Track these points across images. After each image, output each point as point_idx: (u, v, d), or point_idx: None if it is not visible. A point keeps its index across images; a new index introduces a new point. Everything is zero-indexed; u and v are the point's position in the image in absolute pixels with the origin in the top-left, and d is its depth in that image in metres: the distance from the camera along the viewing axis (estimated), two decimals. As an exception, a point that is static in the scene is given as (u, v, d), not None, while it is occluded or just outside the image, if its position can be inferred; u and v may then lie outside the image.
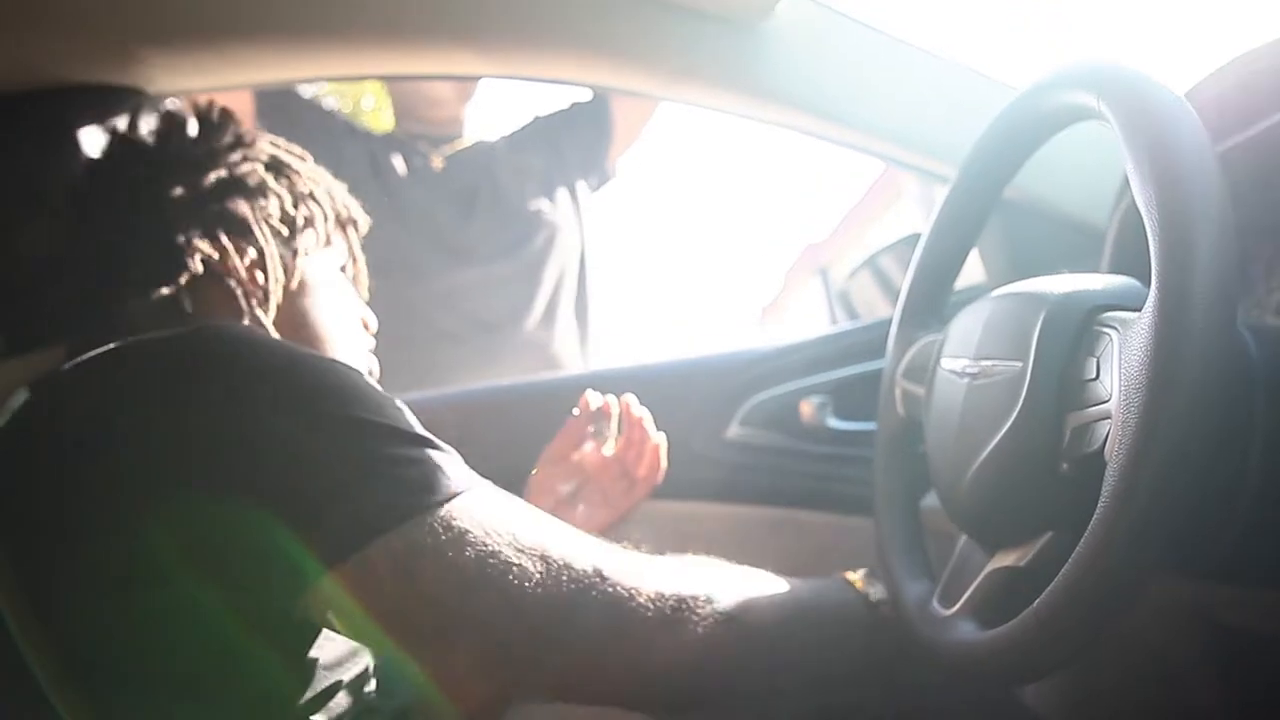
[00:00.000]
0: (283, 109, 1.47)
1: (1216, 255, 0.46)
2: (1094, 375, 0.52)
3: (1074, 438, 0.53)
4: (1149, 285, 0.48)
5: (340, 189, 0.79)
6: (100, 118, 0.94)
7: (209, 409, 0.49)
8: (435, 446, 0.53)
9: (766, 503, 1.06)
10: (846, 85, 0.96)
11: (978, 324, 0.66)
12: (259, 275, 0.69)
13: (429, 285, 1.45)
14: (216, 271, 0.68)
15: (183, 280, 0.67)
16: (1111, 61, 0.58)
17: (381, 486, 0.49)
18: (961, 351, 0.67)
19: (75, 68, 0.90)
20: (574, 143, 1.61)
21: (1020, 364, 0.58)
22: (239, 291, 0.68)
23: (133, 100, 0.94)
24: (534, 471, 0.93)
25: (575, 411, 0.94)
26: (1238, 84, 0.68)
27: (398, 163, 1.51)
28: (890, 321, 1.06)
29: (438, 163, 1.54)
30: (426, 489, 0.50)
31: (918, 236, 1.26)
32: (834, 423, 1.06)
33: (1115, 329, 0.52)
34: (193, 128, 0.75)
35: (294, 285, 0.72)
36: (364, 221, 0.80)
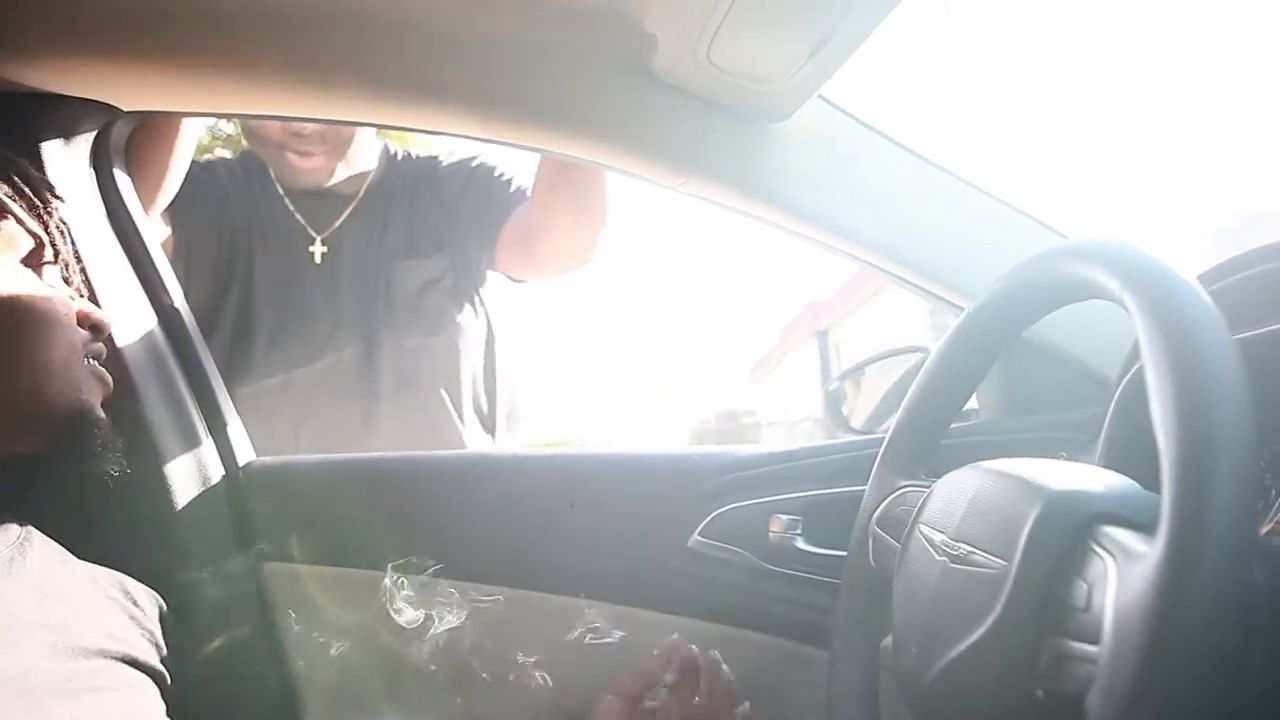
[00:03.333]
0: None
1: (1237, 501, 0.40)
2: (1083, 605, 0.46)
3: (1053, 666, 0.48)
4: (1150, 488, 0.43)
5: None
6: (70, 130, 0.89)
7: None
8: None
9: (723, 620, 0.99)
10: (859, 199, 0.91)
11: (963, 499, 0.60)
12: None
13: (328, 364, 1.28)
14: None
15: None
16: (1140, 248, 0.53)
17: None
18: (942, 524, 0.61)
19: (51, 78, 0.85)
20: (473, 237, 1.38)
21: (1004, 564, 0.52)
22: None
23: (105, 116, 0.89)
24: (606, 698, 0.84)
25: (655, 651, 0.85)
26: (1248, 279, 0.63)
27: (274, 244, 1.30)
28: (875, 444, 1.01)
29: (317, 252, 1.31)
30: None
31: (921, 352, 1.21)
32: (803, 545, 0.99)
33: (1113, 555, 0.46)
34: None
35: None
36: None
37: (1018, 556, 0.51)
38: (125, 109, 0.88)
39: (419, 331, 1.32)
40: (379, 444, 1.28)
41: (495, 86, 0.87)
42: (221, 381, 1.01)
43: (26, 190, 0.70)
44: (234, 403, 1.03)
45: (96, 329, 0.73)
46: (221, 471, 0.99)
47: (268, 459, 1.04)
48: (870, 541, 0.77)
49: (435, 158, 1.43)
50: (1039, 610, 0.49)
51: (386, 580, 0.99)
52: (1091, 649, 0.44)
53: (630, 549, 0.99)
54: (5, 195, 0.68)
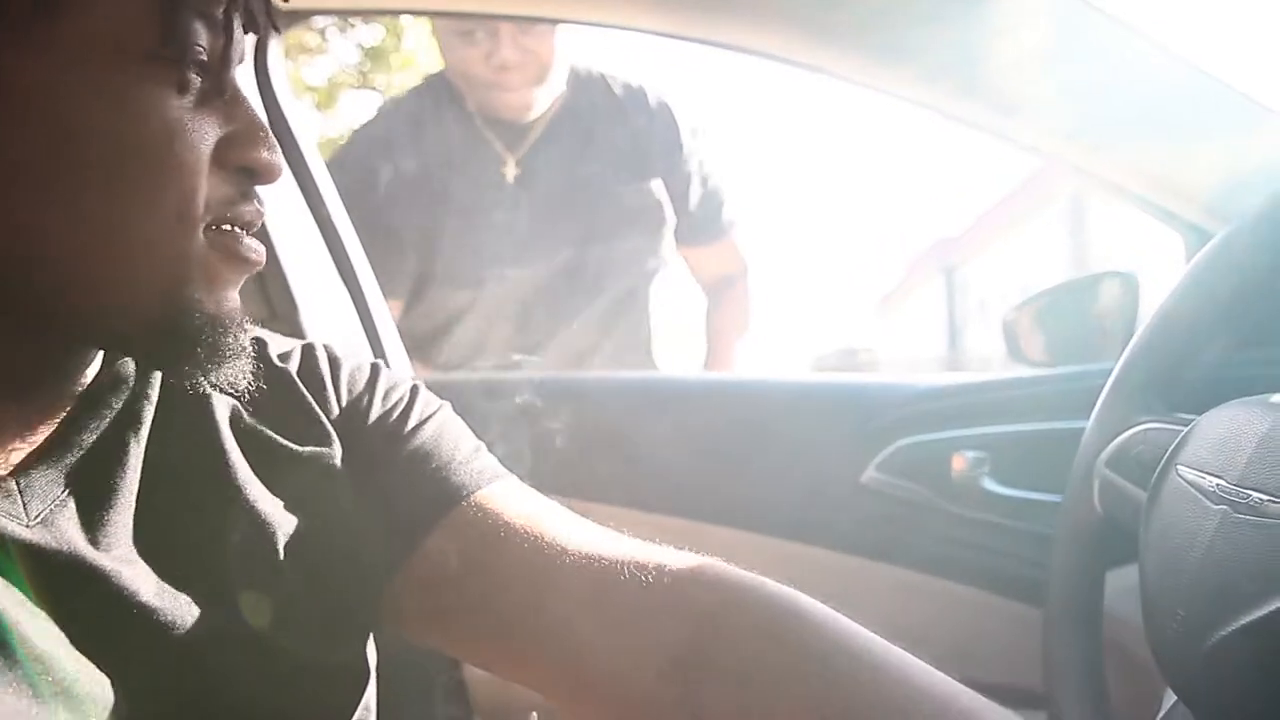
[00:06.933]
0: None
1: None
2: None
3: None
4: None
5: None
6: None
7: None
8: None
9: (898, 562, 0.92)
10: (1080, 90, 0.79)
11: (1249, 439, 0.50)
12: None
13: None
14: None
15: None
16: None
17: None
18: (1216, 467, 0.52)
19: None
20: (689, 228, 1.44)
21: (1322, 517, 0.43)
22: None
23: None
24: None
25: None
26: None
27: (467, 165, 1.34)
28: (1079, 378, 0.90)
29: (510, 172, 1.34)
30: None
31: (1125, 277, 1.08)
32: (991, 485, 0.90)
33: None
34: None
35: None
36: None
37: (1348, 510, 0.42)
38: (281, 8, 0.84)
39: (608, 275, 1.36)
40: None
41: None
42: (382, 297, 0.99)
43: None
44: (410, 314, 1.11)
45: (250, 172, 0.43)
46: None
47: (431, 377, 1.02)
48: (1096, 484, 0.68)
49: (611, 76, 1.43)
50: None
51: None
52: None
53: (799, 482, 0.93)
54: None
